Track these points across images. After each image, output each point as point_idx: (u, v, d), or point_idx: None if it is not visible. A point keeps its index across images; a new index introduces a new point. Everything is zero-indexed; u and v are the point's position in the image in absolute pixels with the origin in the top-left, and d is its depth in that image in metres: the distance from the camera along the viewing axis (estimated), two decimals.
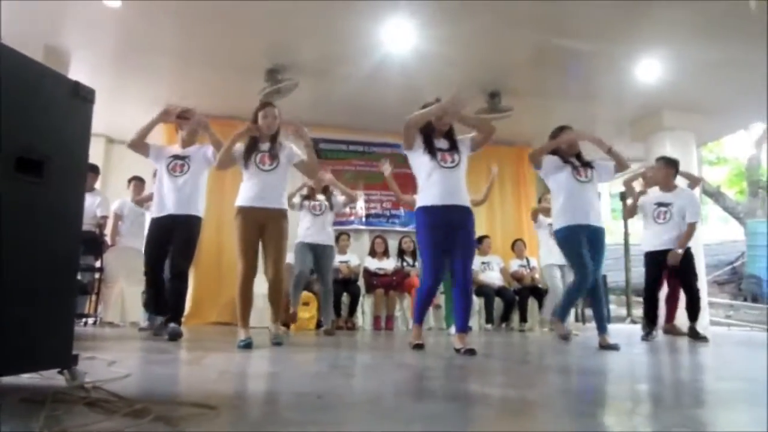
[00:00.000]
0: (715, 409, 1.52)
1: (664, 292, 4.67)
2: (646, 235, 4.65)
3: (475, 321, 5.90)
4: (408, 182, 3.50)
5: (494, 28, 4.75)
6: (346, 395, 1.61)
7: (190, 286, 4.16)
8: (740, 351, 3.86)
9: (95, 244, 5.04)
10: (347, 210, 6.10)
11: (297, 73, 5.42)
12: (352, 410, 1.36)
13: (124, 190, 5.54)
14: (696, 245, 4.80)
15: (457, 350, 2.87)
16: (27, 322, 1.33)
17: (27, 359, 1.35)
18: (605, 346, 3.34)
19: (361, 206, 7.02)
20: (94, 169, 5.23)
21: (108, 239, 5.35)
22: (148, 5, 4.43)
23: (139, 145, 3.67)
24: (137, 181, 5.43)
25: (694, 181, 5.12)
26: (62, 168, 1.44)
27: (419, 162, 3.11)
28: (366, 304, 5.97)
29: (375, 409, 1.38)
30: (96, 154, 6.33)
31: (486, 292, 6.04)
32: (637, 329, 4.71)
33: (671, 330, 4.84)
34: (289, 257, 4.66)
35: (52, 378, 1.46)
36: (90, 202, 4.85)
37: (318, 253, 4.85)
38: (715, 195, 14.60)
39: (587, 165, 3.65)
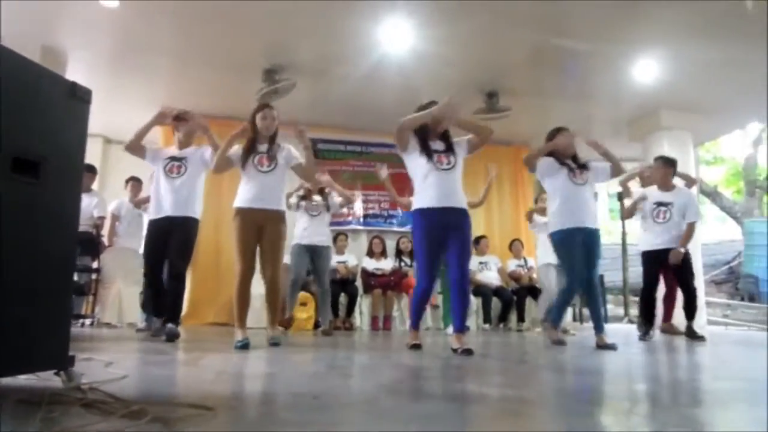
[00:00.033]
0: (713, 408, 1.53)
1: (661, 291, 4.68)
2: (645, 235, 4.64)
3: (473, 321, 5.90)
4: (406, 183, 3.50)
5: (492, 28, 4.76)
6: (344, 395, 1.61)
7: (187, 286, 4.15)
8: (737, 350, 3.87)
9: (92, 245, 5.04)
10: (345, 210, 6.10)
11: (294, 73, 5.42)
12: (349, 410, 1.36)
13: (122, 190, 5.53)
14: (693, 245, 4.81)
15: (455, 350, 2.87)
16: (23, 323, 1.32)
17: (23, 360, 1.34)
18: (602, 346, 3.35)
19: (358, 206, 7.03)
20: (91, 170, 5.21)
21: (105, 240, 5.34)
22: (146, 5, 4.42)
23: (136, 147, 3.67)
24: (135, 182, 5.41)
25: (690, 181, 5.13)
26: (59, 168, 1.43)
27: (415, 164, 3.11)
28: (364, 305, 5.96)
29: (372, 409, 1.38)
30: (93, 154, 6.34)
31: (483, 292, 6.05)
32: (635, 329, 4.71)
33: (668, 329, 4.85)
34: (286, 258, 4.66)
35: (48, 379, 1.45)
36: (87, 202, 4.84)
37: (315, 253, 4.85)
38: (713, 195, 14.64)
39: (583, 167, 3.66)
